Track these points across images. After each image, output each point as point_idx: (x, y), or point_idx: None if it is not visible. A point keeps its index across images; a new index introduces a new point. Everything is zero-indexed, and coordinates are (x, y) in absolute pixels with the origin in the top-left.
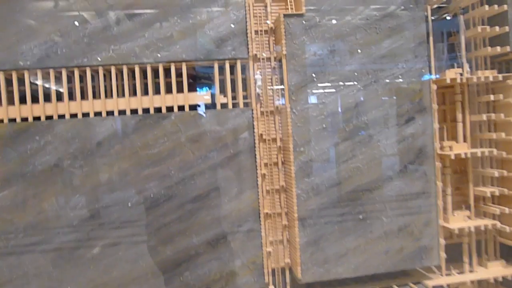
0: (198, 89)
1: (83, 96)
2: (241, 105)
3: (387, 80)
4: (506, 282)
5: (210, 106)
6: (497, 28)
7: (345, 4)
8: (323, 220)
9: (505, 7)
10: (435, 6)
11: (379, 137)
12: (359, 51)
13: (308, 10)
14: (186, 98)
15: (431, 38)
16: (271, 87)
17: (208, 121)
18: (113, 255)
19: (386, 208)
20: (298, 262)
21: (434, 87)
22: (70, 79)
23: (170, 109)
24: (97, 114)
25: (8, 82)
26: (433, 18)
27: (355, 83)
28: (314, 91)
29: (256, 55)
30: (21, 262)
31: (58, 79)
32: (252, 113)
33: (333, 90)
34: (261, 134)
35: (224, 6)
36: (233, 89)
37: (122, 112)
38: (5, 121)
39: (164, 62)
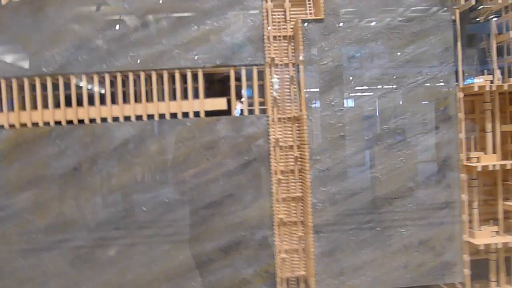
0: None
1: (102, 101)
2: (257, 112)
3: (410, 87)
4: None
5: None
6: None
7: (366, 9)
8: (339, 230)
9: None
10: (465, 9)
11: (400, 146)
12: (380, 57)
13: (327, 14)
14: (202, 104)
15: (459, 43)
16: (289, 93)
17: (224, 127)
18: (128, 259)
19: (406, 220)
20: (313, 273)
21: (461, 95)
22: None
23: (185, 115)
24: (115, 119)
25: (32, 87)
26: (462, 22)
27: (376, 90)
28: (331, 98)
29: (273, 60)
30: (41, 261)
31: (77, 85)
32: (268, 120)
33: (352, 98)
34: (277, 139)
35: (241, 10)
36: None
37: (139, 118)
38: (29, 125)
39: (182, 68)
